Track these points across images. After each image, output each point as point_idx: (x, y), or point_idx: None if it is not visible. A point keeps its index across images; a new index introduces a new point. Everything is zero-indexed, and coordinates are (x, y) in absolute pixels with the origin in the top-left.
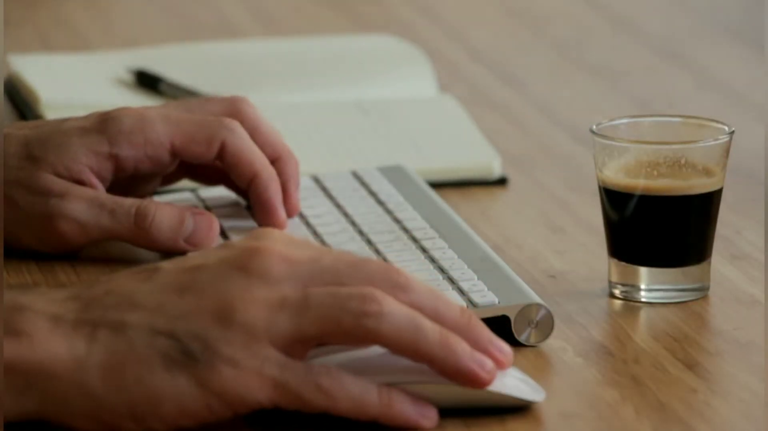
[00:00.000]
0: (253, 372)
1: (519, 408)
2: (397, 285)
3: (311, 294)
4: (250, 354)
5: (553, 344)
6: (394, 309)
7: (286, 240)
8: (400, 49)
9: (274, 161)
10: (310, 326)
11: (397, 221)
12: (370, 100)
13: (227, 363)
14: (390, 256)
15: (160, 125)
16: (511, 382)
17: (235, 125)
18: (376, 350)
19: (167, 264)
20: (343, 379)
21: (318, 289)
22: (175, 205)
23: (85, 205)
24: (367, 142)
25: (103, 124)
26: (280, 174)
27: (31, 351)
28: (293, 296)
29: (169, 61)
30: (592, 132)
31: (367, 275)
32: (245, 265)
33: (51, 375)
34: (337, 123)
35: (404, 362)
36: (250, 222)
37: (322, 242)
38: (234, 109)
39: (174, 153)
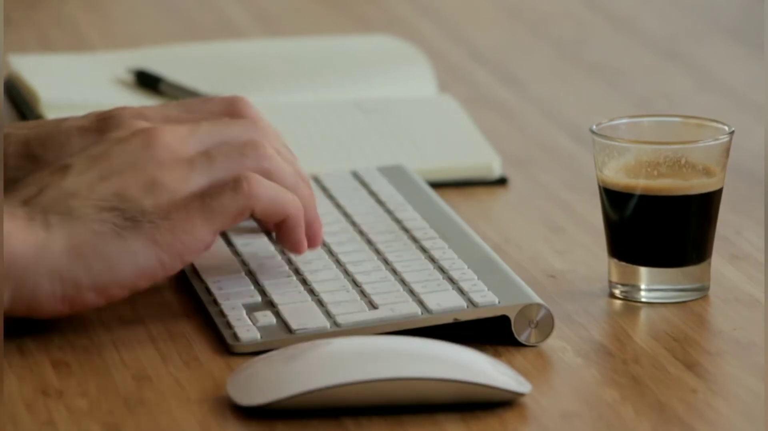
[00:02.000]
0: (186, 219)
1: (518, 407)
2: (264, 136)
3: (211, 150)
4: (171, 208)
5: (553, 344)
6: (276, 154)
7: (161, 119)
8: (400, 49)
9: None
10: (221, 175)
11: (397, 221)
12: (370, 99)
13: (164, 218)
14: (390, 256)
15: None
16: (500, 377)
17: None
18: (374, 344)
19: (74, 160)
20: (260, 181)
21: (214, 147)
22: None
23: None
24: (367, 142)
25: (102, 123)
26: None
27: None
28: (197, 156)
29: (169, 61)
30: (592, 132)
31: (241, 130)
32: (148, 143)
33: (23, 264)
34: (337, 123)
35: (404, 356)
36: (251, 222)
37: (322, 242)
38: (234, 109)
39: None
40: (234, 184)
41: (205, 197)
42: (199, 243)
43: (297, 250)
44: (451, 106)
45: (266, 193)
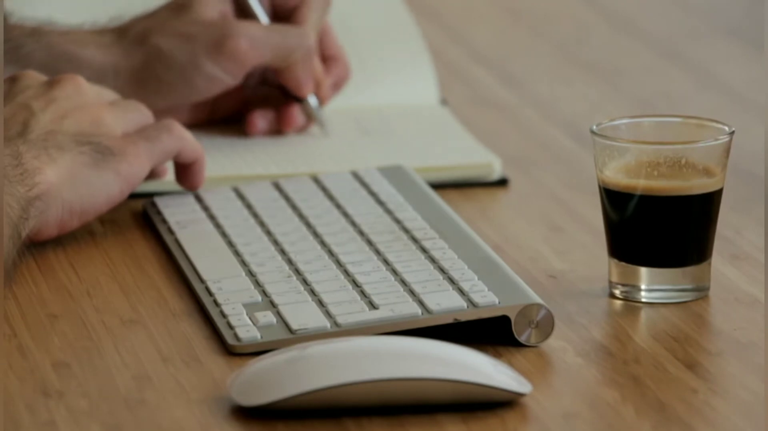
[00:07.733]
0: (134, 154)
1: (518, 407)
2: None
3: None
4: (124, 143)
5: (553, 344)
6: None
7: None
8: (400, 48)
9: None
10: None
11: (397, 221)
12: (369, 116)
13: (119, 154)
14: (390, 257)
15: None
16: (500, 377)
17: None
18: (374, 344)
19: (27, 101)
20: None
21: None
22: None
23: (256, 26)
24: (367, 150)
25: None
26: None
27: (37, 181)
28: (113, 101)
29: None
30: (592, 132)
31: None
32: (78, 87)
33: (51, 193)
34: (337, 134)
35: (404, 356)
36: (251, 222)
37: (322, 242)
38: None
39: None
40: (168, 127)
41: (144, 136)
42: (143, 176)
43: (197, 186)
44: (450, 119)
45: (190, 136)
